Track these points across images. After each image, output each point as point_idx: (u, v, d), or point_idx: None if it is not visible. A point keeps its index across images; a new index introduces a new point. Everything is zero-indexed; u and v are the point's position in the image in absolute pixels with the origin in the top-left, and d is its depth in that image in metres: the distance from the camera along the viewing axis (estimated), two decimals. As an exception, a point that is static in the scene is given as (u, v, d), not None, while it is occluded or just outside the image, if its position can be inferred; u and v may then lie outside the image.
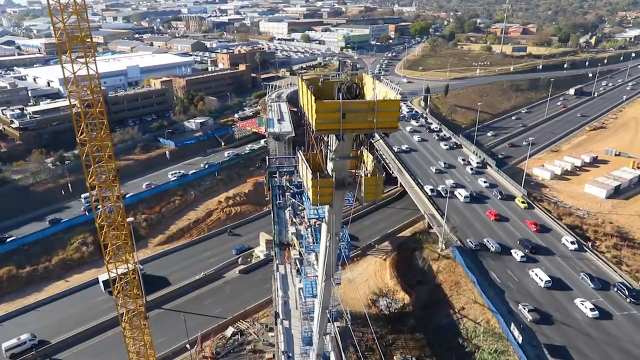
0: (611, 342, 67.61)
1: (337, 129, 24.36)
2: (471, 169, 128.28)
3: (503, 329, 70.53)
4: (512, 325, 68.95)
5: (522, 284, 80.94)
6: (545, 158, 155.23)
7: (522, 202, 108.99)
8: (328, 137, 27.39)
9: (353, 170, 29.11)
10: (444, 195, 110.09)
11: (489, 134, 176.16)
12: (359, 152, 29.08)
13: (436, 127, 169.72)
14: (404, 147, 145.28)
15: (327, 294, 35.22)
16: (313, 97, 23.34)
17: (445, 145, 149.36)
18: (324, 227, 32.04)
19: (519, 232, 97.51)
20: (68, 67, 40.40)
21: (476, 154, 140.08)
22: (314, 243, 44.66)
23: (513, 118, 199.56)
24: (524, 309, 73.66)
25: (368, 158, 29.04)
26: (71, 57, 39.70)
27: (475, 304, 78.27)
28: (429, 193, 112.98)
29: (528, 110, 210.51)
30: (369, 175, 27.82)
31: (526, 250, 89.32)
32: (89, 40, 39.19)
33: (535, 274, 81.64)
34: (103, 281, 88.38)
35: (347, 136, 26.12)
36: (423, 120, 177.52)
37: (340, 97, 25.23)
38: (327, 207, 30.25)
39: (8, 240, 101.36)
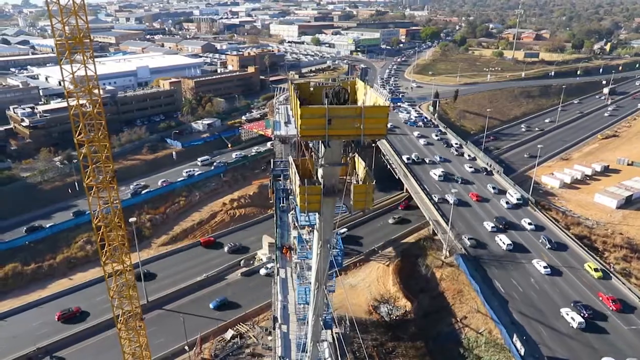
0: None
1: (322, 135, 23.86)
2: (506, 202, 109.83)
3: (505, 340, 69.33)
4: (515, 336, 67.70)
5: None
6: (555, 166, 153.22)
7: (595, 270, 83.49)
8: (317, 143, 26.88)
9: (345, 177, 28.55)
10: (416, 161, 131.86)
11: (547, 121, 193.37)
12: (348, 158, 28.45)
13: (456, 143, 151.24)
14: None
15: (320, 301, 34.64)
16: (298, 102, 22.85)
17: (470, 167, 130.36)
18: (315, 234, 31.51)
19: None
20: (67, 67, 40.38)
21: (497, 174, 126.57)
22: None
23: (559, 109, 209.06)
24: (465, 238, 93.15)
25: (360, 165, 28.44)
26: (70, 58, 39.65)
27: (478, 313, 77.19)
28: (406, 161, 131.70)
29: (581, 102, 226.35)
30: (360, 182, 27.24)
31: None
32: (87, 40, 39.03)
33: None
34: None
35: (337, 142, 25.57)
36: (439, 132, 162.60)
37: (327, 102, 24.71)
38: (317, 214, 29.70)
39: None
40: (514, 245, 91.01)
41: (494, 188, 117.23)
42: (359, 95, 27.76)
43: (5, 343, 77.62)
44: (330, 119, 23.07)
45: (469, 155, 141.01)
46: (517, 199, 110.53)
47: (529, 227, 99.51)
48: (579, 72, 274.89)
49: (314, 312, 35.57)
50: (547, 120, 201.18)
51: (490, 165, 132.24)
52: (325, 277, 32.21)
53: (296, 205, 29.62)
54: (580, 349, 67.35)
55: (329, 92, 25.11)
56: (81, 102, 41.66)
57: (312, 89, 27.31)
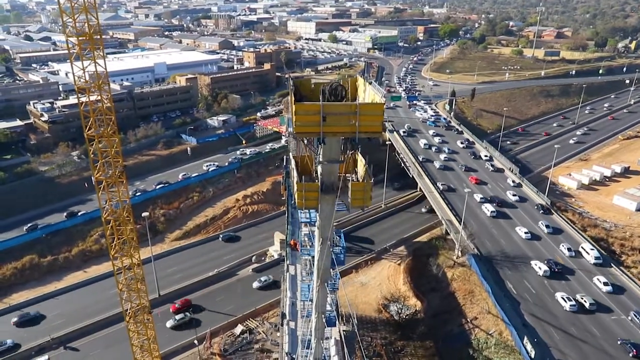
0: None
1: (317, 132, 23.69)
2: (568, 249, 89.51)
3: (516, 342, 68.38)
4: (525, 338, 66.69)
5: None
6: (573, 167, 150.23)
7: None
8: (313, 140, 26.67)
9: (346, 175, 28.24)
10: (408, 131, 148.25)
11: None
12: (346, 156, 28.09)
13: (486, 155, 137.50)
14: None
15: (322, 298, 34.53)
16: (293, 98, 22.71)
17: (513, 195, 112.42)
18: (316, 231, 31.40)
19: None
20: (82, 63, 41.09)
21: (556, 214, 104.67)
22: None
23: (612, 96, 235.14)
24: (440, 185, 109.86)
25: (360, 162, 28.13)
26: (81, 54, 40.25)
27: (489, 314, 76.25)
28: (401, 134, 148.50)
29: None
30: (360, 180, 26.92)
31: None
32: (98, 37, 39.55)
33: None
34: None
35: (334, 140, 25.36)
36: (466, 141, 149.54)
37: (321, 99, 24.48)
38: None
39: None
40: (578, 307, 74.79)
41: (547, 226, 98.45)
42: (360, 92, 27.53)
43: (20, 333, 79.38)
44: (325, 116, 22.92)
45: (513, 181, 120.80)
46: (596, 258, 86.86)
47: (604, 287, 78.89)
48: (601, 71, 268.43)
49: (316, 309, 35.53)
50: (606, 105, 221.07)
51: (549, 204, 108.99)
52: (326, 275, 32.12)
53: (294, 201, 29.57)
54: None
55: (326, 89, 24.92)
56: (94, 97, 42.31)
57: (312, 85, 27.20)
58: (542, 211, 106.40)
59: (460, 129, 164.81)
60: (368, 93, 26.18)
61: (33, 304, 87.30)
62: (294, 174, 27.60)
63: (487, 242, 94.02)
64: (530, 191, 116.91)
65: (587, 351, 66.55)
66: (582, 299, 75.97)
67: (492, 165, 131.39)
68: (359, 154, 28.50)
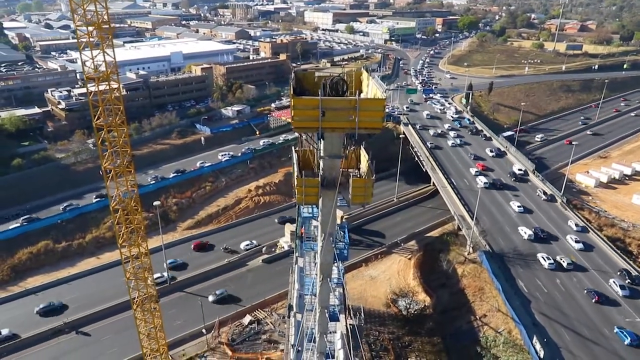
0: None
1: (315, 127, 23.19)
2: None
3: (525, 341, 67.45)
4: (535, 338, 65.70)
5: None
6: (591, 164, 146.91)
7: None
8: (315, 135, 26.19)
9: (349, 170, 27.74)
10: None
11: None
12: (347, 151, 27.53)
13: (520, 170, 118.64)
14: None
15: (325, 293, 34.28)
16: (292, 92, 22.23)
17: (576, 241, 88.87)
18: (319, 226, 31.05)
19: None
20: (95, 52, 41.18)
21: None
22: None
23: None
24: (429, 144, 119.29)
25: (363, 158, 27.57)
26: (90, 43, 40.28)
27: (498, 312, 75.35)
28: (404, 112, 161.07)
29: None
30: (363, 176, 26.37)
31: None
32: (106, 26, 39.50)
33: None
34: None
35: (335, 135, 24.83)
36: (497, 150, 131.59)
37: (320, 93, 23.90)
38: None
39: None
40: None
41: (623, 288, 76.74)
42: (364, 87, 26.91)
43: (36, 316, 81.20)
44: (324, 111, 22.39)
45: (576, 225, 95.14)
46: None
47: None
48: (625, 66, 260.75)
49: (319, 303, 35.35)
50: None
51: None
52: (328, 270, 31.80)
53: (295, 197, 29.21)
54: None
55: (327, 83, 24.36)
56: (103, 87, 42.40)
57: (316, 79, 26.68)
58: (628, 280, 79.31)
59: (488, 135, 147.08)
60: (370, 87, 25.56)
61: (47, 289, 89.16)
62: (295, 168, 27.25)
63: (501, 241, 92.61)
64: (601, 241, 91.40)
65: (598, 353, 65.37)
66: None
67: (544, 193, 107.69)
68: (363, 148, 27.98)
